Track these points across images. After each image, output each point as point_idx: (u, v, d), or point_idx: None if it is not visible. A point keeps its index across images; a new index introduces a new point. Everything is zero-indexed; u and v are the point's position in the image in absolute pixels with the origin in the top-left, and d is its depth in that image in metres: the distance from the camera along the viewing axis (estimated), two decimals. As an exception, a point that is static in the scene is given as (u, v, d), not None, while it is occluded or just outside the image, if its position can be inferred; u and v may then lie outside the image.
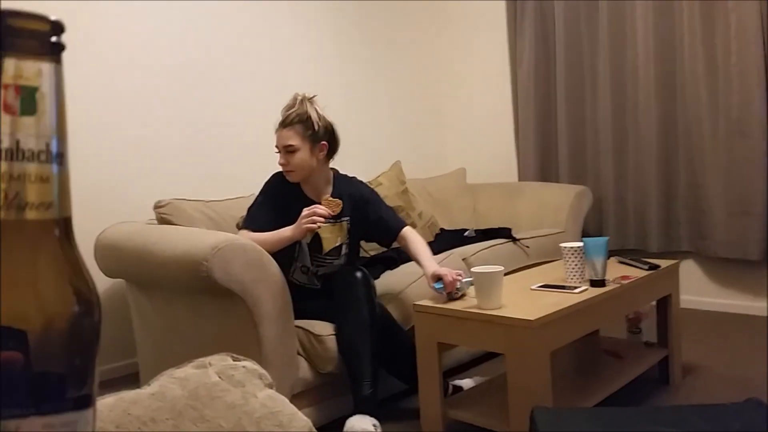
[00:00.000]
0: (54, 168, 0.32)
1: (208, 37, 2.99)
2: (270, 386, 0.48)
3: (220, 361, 0.49)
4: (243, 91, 3.11)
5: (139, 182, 2.72)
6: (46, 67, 0.31)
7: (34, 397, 0.29)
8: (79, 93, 2.54)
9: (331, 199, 2.12)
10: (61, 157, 0.32)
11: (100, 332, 0.31)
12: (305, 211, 2.04)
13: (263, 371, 0.50)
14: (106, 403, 0.45)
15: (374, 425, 1.92)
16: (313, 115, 2.15)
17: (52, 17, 0.31)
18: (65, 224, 0.32)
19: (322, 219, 2.02)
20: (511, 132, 3.99)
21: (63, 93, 0.32)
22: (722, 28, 3.07)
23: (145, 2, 2.76)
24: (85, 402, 0.30)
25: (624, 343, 2.46)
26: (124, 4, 2.69)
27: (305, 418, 0.46)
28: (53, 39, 0.32)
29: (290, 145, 2.13)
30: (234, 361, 0.50)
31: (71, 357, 0.30)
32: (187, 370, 0.48)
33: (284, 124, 2.15)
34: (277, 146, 2.18)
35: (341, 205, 2.13)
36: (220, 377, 0.46)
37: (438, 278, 1.99)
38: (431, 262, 2.11)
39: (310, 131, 2.15)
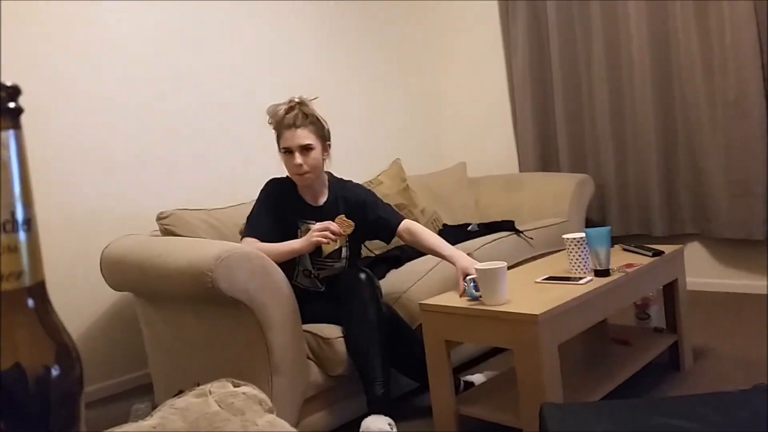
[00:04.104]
0: (21, 236, 0.32)
1: (201, 41, 2.99)
2: (270, 411, 0.49)
3: (221, 388, 0.49)
4: (239, 95, 3.12)
5: (141, 194, 2.73)
6: (4, 135, 0.31)
7: None
8: (77, 107, 2.55)
9: (345, 219, 2.12)
10: (28, 223, 0.32)
11: (82, 385, 0.32)
12: (318, 225, 2.05)
13: (263, 396, 0.50)
14: (109, 437, 0.45)
15: (389, 424, 1.93)
16: (320, 116, 2.16)
17: (7, 82, 0.31)
18: (39, 288, 0.32)
19: (333, 237, 2.04)
20: (509, 123, 3.99)
21: (25, 157, 0.32)
22: (715, 8, 3.05)
23: (140, 4, 2.76)
24: None
25: (632, 330, 2.46)
26: (118, 9, 2.69)
27: (306, 441, 0.46)
28: (10, 105, 0.31)
29: (308, 145, 2.12)
30: (234, 387, 0.50)
31: (57, 414, 0.31)
32: (188, 400, 0.48)
33: (296, 124, 2.12)
34: (287, 148, 2.14)
35: (353, 227, 2.13)
36: (220, 406, 0.47)
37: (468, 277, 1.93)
38: (453, 250, 2.11)
39: (321, 131, 2.16)
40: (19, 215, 0.32)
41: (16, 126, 0.32)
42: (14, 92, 0.31)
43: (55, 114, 2.50)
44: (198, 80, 2.96)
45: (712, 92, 3.11)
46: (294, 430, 0.48)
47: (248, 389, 0.50)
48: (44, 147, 2.46)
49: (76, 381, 0.32)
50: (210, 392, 0.49)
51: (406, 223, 2.25)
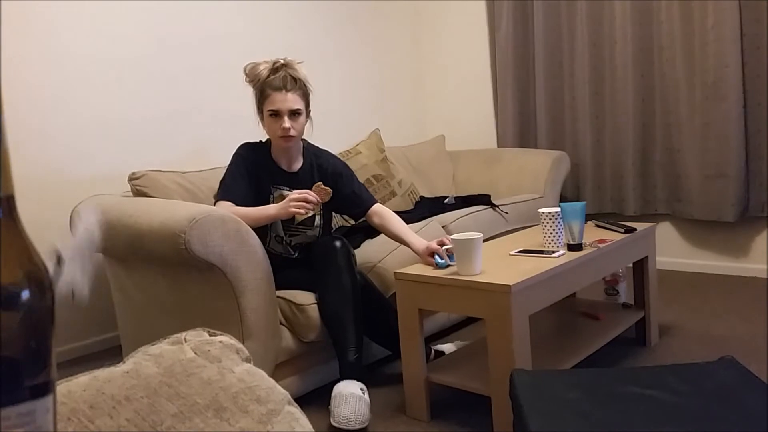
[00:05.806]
0: None
1: (175, 2, 2.91)
2: (247, 360, 0.48)
3: (196, 336, 0.48)
4: (214, 58, 3.05)
5: (112, 153, 2.67)
6: None
7: None
8: (50, 65, 2.47)
9: (323, 186, 2.09)
10: None
11: (54, 315, 0.29)
12: (296, 194, 2.01)
13: (240, 345, 0.49)
14: (80, 382, 0.44)
15: (361, 389, 1.94)
16: (307, 80, 2.13)
17: None
18: (7, 203, 0.30)
19: (310, 206, 2.01)
20: (490, 98, 3.98)
21: None
22: (699, -10, 3.06)
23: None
24: (43, 389, 0.29)
25: (601, 305, 2.50)
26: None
27: (283, 390, 0.46)
28: None
29: (297, 109, 2.09)
30: (210, 336, 0.49)
31: (25, 343, 0.28)
32: (162, 347, 0.47)
33: (286, 88, 2.07)
34: (275, 110, 2.09)
35: (331, 194, 2.11)
36: (195, 353, 0.45)
37: (432, 253, 2.00)
38: (416, 238, 2.11)
39: (308, 97, 2.14)
40: None
41: None
42: None
43: (28, 72, 2.42)
44: (172, 42, 2.89)
45: (692, 74, 3.14)
46: (271, 380, 0.47)
47: (225, 338, 0.49)
48: (14, 105, 2.38)
49: (46, 310, 0.29)
50: (185, 340, 0.48)
51: (378, 207, 2.24)
